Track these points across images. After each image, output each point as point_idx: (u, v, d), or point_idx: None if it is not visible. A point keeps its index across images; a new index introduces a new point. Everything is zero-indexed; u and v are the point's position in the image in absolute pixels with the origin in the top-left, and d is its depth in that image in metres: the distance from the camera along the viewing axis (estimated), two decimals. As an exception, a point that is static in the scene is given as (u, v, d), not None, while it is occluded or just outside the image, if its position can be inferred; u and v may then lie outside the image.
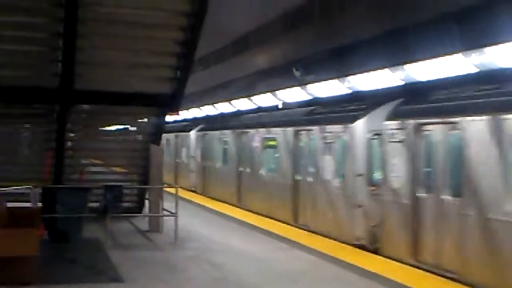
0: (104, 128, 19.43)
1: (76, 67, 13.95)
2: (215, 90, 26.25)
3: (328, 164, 14.21)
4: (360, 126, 13.07)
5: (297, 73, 17.19)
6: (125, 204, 15.49)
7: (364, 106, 13.51)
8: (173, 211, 13.69)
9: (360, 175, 12.92)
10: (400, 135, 11.49)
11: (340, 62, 15.14)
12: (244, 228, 15.54)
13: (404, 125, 11.43)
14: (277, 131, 17.40)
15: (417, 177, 11.02)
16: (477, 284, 9.13)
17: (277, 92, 19.61)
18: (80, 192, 13.35)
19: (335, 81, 15.51)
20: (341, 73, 15.09)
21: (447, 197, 10.16)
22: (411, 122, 11.23)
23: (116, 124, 20.77)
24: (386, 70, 13.22)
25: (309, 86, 17.25)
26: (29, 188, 12.68)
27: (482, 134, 9.24)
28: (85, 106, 16.24)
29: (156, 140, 16.27)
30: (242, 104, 23.53)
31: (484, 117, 9.25)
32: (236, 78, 23.71)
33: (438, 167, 10.58)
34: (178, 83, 14.98)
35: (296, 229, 15.02)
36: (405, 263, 10.92)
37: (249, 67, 22.37)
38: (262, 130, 18.68)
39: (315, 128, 14.93)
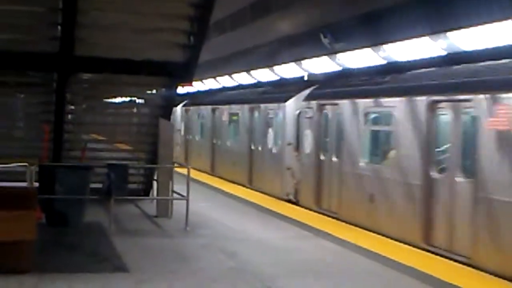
0: (108, 100, 19.58)
1: (77, 31, 14.02)
2: (231, 59, 26.24)
3: (269, 135, 19.83)
4: (290, 104, 18.36)
5: (325, 41, 17.17)
6: (131, 186, 15.62)
7: (297, 88, 18.70)
8: (183, 193, 13.83)
9: (289, 143, 18.23)
10: (309, 113, 17.08)
11: (374, 28, 15.08)
12: (261, 213, 15.74)
13: (311, 105, 17.08)
14: (238, 108, 22.86)
15: (319, 145, 16.70)
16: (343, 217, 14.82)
17: (302, 62, 19.60)
18: (81, 171, 13.52)
19: (368, 49, 15.49)
20: (375, 41, 15.04)
21: (335, 159, 15.85)
22: (315, 102, 16.87)
23: (121, 96, 20.90)
24: (426, 38, 13.18)
25: (339, 55, 17.22)
26: (25, 166, 12.86)
27: (348, 113, 15.16)
28: (87, 75, 16.34)
29: (166, 114, 16.34)
30: (262, 74, 23.54)
31: (346, 101, 15.23)
32: (256, 45, 23.67)
33: (331, 138, 16.16)
34: (192, 50, 15.00)
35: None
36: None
37: (271, 33, 22.30)
38: (229, 106, 24.13)
39: (262, 105, 20.55)
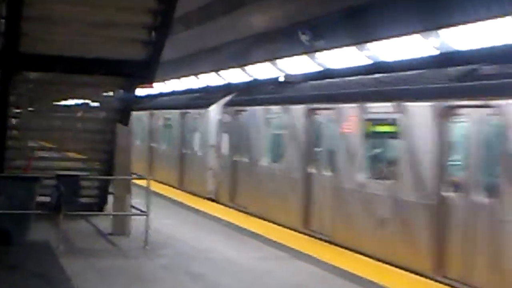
0: (58, 103, 19.48)
1: (22, 25, 13.90)
2: (199, 57, 26.22)
3: (196, 139, 23.57)
4: (213, 110, 22.12)
5: (303, 38, 17.21)
6: (83, 199, 15.52)
7: (222, 94, 22.51)
8: (143, 208, 13.75)
9: (212, 146, 21.81)
10: (227, 118, 20.90)
11: (358, 25, 15.12)
12: (227, 229, 15.74)
13: (228, 111, 20.87)
14: (171, 113, 26.63)
15: (234, 147, 20.30)
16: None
17: (277, 61, 19.62)
18: (26, 183, 13.37)
19: (352, 48, 15.53)
20: (360, 39, 15.09)
21: (245, 159, 19.39)
22: (231, 109, 20.69)
23: (73, 98, 20.79)
24: (418, 35, 13.24)
25: (318, 55, 17.24)
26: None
27: (254, 118, 19.06)
28: (34, 74, 16.22)
29: (124, 119, 16.27)
30: (233, 74, 23.54)
31: (253, 107, 19.15)
32: (226, 42, 23.67)
33: (243, 140, 19.67)
34: (153, 47, 14.96)
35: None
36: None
37: (244, 28, 22.31)
38: (163, 111, 28.02)
39: (191, 111, 24.43)
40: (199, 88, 27.49)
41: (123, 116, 16.35)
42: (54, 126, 18.07)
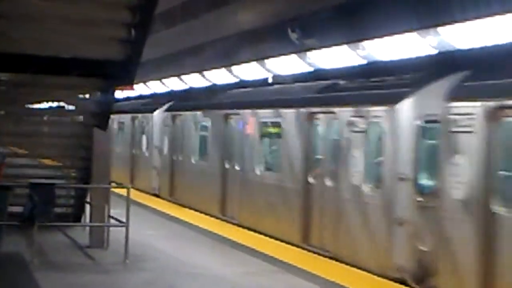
0: (30, 106, 19.40)
1: (-7, 22, 13.86)
2: (182, 57, 26.21)
3: (143, 141, 27.72)
4: (157, 115, 26.25)
5: (293, 36, 17.23)
6: (58, 209, 15.46)
7: (165, 100, 26.84)
8: (122, 219, 13.71)
9: (156, 147, 26.08)
10: (167, 121, 25.19)
11: (352, 22, 15.15)
12: (218, 243, 15.70)
13: (168, 116, 25.14)
14: (124, 116, 30.29)
15: (172, 148, 24.57)
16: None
17: (266, 61, 19.62)
18: (-3, 192, 13.29)
19: (344, 47, 15.55)
20: (353, 37, 15.11)
21: (180, 158, 23.72)
22: (170, 113, 24.95)
23: (47, 101, 20.72)
24: (414, 34, 13.27)
25: (309, 54, 17.25)
26: None
27: (186, 122, 23.32)
28: (5, 75, 16.14)
29: (102, 123, 16.19)
30: (218, 76, 23.54)
31: (186, 112, 23.42)
32: (211, 40, 23.67)
33: (178, 141, 23.96)
34: (133, 46, 14.89)
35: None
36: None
37: (229, 26, 22.31)
38: (118, 115, 30.59)
39: (139, 115, 28.63)
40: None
41: (101, 120, 16.26)
42: (27, 131, 17.95)
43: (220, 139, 20.19)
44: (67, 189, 16.86)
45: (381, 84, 13.89)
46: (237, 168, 19.02)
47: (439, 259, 11.12)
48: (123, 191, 20.23)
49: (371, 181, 13.12)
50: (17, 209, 13.75)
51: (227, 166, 19.75)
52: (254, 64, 20.33)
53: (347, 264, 13.22)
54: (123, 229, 13.54)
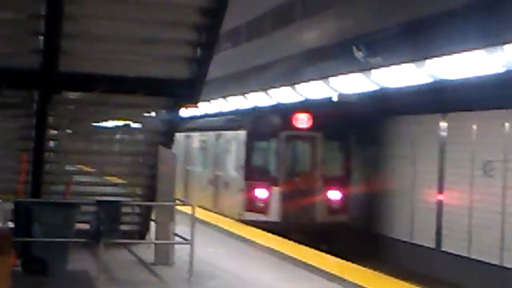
0: (97, 125, 19.62)
1: (62, 42, 14.05)
2: (246, 76, 26.31)
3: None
4: None
5: (358, 54, 17.19)
6: (124, 227, 15.57)
7: None
8: (187, 236, 13.77)
9: None
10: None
11: (417, 40, 15.07)
12: (282, 261, 15.65)
13: None
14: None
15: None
16: None
17: (330, 79, 19.60)
18: (64, 209, 13.45)
19: (410, 65, 15.48)
20: (419, 55, 15.04)
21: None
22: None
23: (113, 120, 20.93)
24: (481, 51, 13.16)
25: (374, 72, 17.20)
26: (-3, 202, 12.86)
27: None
28: (73, 95, 16.37)
29: (167, 141, 16.35)
30: (282, 94, 23.56)
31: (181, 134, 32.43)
32: (276, 59, 23.73)
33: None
34: (198, 65, 15.02)
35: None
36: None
37: (294, 45, 22.36)
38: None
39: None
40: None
41: (166, 139, 16.42)
42: (93, 149, 18.21)
43: (184, 151, 29.50)
44: (133, 206, 16.97)
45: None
46: (194, 169, 28.76)
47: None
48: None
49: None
50: (84, 226, 13.84)
51: (188, 168, 29.34)
52: (319, 82, 20.30)
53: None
54: (186, 246, 13.63)
